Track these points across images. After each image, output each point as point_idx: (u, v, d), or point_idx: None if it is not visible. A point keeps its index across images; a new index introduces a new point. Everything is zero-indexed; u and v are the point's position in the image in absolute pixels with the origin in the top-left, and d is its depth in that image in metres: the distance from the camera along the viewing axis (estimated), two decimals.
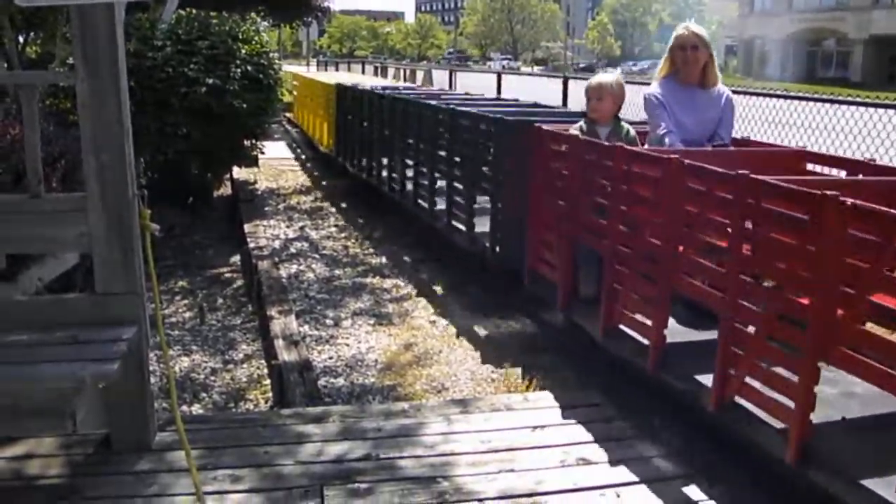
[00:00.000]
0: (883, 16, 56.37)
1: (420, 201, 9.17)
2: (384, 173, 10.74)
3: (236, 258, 9.70)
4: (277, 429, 4.72)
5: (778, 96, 9.50)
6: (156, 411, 4.62)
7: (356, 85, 14.25)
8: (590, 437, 4.72)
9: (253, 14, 17.72)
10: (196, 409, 5.76)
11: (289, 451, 4.42)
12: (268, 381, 6.17)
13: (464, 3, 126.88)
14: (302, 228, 11.07)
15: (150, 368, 4.64)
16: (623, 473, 4.33)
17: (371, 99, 11.65)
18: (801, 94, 9.39)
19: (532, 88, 16.80)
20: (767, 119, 9.12)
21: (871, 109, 7.73)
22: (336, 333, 7.09)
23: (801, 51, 65.03)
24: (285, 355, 6.11)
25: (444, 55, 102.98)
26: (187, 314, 7.70)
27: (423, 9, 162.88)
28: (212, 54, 10.59)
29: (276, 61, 12.43)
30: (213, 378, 6.27)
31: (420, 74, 22.86)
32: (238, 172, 14.41)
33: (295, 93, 21.40)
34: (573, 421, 4.91)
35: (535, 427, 4.84)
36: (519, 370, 6.06)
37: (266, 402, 5.85)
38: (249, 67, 10.99)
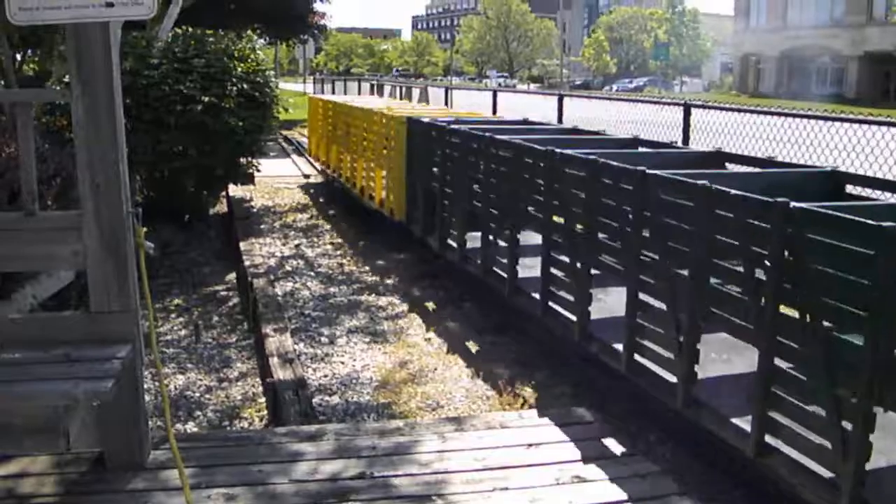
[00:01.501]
0: (876, 32, 56.64)
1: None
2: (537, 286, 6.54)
3: (232, 276, 9.70)
4: (272, 447, 4.71)
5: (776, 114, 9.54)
6: (150, 429, 4.61)
7: (446, 122, 9.41)
8: (584, 455, 4.71)
9: (249, 32, 17.78)
10: (191, 427, 5.75)
11: (283, 470, 4.41)
12: (262, 400, 6.17)
13: (460, 21, 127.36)
14: (297, 246, 11.07)
15: (145, 386, 4.64)
16: (617, 492, 4.32)
17: (494, 148, 7.34)
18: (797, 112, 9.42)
19: (527, 105, 16.87)
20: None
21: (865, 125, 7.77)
22: (331, 351, 7.08)
23: (797, 67, 65.30)
24: (280, 373, 6.11)
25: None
26: (182, 332, 7.70)
27: (419, 26, 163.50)
28: (208, 72, 10.63)
29: (273, 79, 12.47)
30: (207, 396, 6.26)
31: (416, 92, 22.87)
32: (234, 190, 14.42)
33: (313, 122, 17.05)
34: (567, 439, 4.90)
35: (530, 445, 4.83)
36: (513, 387, 6.06)
37: (261, 421, 5.84)
38: (245, 85, 11.04)
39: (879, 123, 7.60)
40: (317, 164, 17.24)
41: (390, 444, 4.79)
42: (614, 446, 4.84)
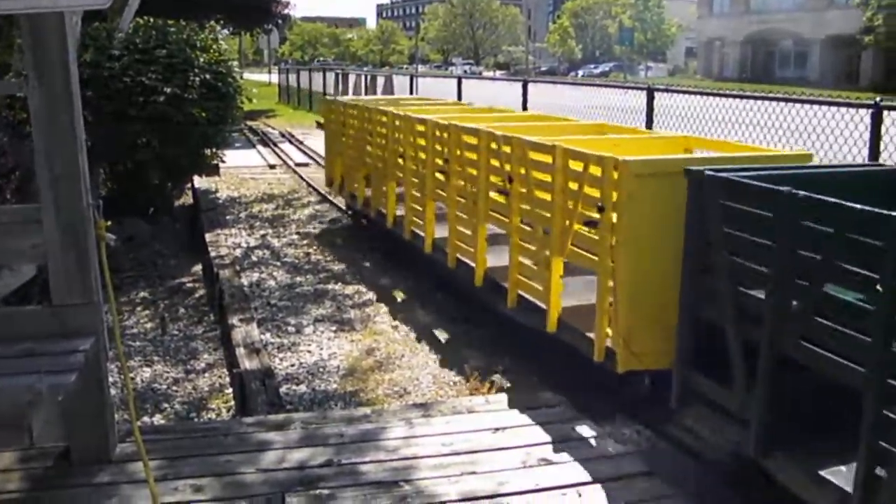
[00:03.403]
0: (838, 16, 57.07)
1: None
2: None
3: (198, 268, 9.65)
4: (239, 437, 4.72)
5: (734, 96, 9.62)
6: (116, 423, 4.60)
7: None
8: (550, 438, 4.76)
9: (212, 22, 17.65)
10: (158, 419, 5.73)
11: (250, 459, 4.42)
12: (230, 390, 6.16)
13: (425, 9, 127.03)
14: (263, 237, 11.03)
15: (111, 380, 4.62)
16: (584, 473, 4.37)
17: None
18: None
19: (493, 93, 16.89)
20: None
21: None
22: (298, 340, 7.08)
23: (760, 51, 65.79)
24: (247, 363, 6.10)
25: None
26: (149, 325, 7.66)
27: (384, 15, 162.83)
28: (170, 63, 10.54)
29: (236, 69, 12.38)
30: (174, 388, 6.24)
31: (381, 81, 22.80)
32: (199, 181, 14.33)
33: (337, 140, 11.41)
34: (534, 422, 4.95)
35: (497, 429, 4.87)
36: (479, 373, 6.09)
37: (228, 411, 5.83)
38: (208, 76, 10.95)
39: (842, 104, 7.67)
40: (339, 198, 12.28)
41: (357, 432, 4.81)
42: (581, 429, 4.89)
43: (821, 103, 7.97)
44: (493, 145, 6.47)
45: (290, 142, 22.56)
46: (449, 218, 7.37)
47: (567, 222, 5.49)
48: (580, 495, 4.17)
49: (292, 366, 6.53)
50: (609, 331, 5.11)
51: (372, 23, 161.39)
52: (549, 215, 5.68)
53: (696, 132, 8.97)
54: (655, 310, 4.84)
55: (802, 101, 8.39)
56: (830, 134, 7.56)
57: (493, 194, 6.56)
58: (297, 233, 11.25)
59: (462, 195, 7.11)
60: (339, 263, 9.58)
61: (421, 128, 8.00)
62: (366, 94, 22.10)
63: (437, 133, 7.58)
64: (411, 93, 20.53)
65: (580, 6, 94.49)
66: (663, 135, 7.35)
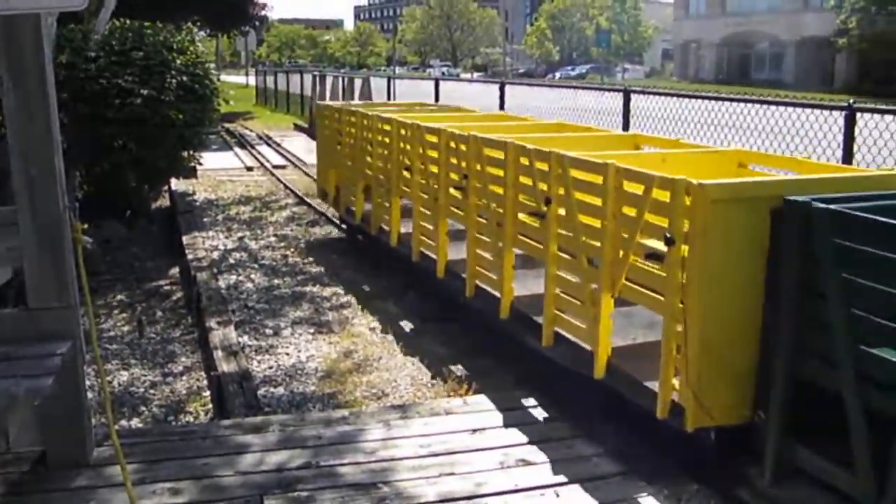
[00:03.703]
0: (812, 19, 57.55)
1: None
2: None
3: (175, 270, 9.61)
4: (217, 440, 4.71)
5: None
6: (93, 426, 4.58)
7: None
8: (528, 439, 4.79)
9: (189, 24, 17.59)
10: (135, 422, 5.71)
11: (228, 462, 4.41)
12: (207, 393, 6.14)
13: (403, 11, 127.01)
14: (241, 239, 11.00)
15: (88, 383, 4.60)
16: (561, 473, 4.40)
17: None
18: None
19: (471, 94, 16.93)
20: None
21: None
22: (276, 343, 7.07)
23: (736, 53, 66.23)
24: (224, 366, 6.09)
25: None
26: (126, 328, 7.62)
27: (362, 17, 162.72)
28: (146, 65, 10.49)
29: (213, 71, 12.34)
30: (152, 391, 6.22)
31: (359, 83, 22.74)
32: (176, 184, 14.28)
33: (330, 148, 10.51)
34: (512, 423, 4.98)
35: (475, 430, 4.89)
36: (458, 374, 6.10)
37: (206, 414, 5.82)
38: (185, 78, 10.91)
39: (816, 106, 7.75)
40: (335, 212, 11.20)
41: (336, 434, 4.82)
42: (559, 429, 4.92)
43: (795, 105, 8.05)
44: (524, 160, 5.65)
45: (268, 144, 22.50)
46: (468, 241, 6.47)
47: (621, 253, 4.71)
48: (558, 495, 4.19)
49: (270, 368, 6.52)
50: (676, 382, 4.34)
51: (349, 24, 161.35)
52: (597, 244, 4.88)
53: (674, 134, 9.03)
54: (730, 357, 4.21)
55: (778, 103, 8.47)
56: (805, 136, 7.64)
57: (522, 216, 5.80)
58: (275, 235, 11.23)
59: (485, 215, 6.26)
60: (316, 266, 9.56)
61: (433, 138, 7.14)
62: (343, 96, 21.99)
63: (453, 145, 6.76)
64: (389, 96, 20.48)
65: (557, 8, 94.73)
66: (714, 149, 6.61)
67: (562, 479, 4.35)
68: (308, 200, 13.22)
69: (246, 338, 7.13)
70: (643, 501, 4.17)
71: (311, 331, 7.36)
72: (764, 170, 5.80)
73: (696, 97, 9.83)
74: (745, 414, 4.18)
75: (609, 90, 11.47)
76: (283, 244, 10.68)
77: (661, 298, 4.39)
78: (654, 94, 10.89)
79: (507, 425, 4.96)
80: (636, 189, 4.59)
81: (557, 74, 76.06)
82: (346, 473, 4.33)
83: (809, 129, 7.56)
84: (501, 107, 13.44)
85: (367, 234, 9.27)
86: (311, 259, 9.87)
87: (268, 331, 7.36)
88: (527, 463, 4.53)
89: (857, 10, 50.69)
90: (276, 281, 8.95)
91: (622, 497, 4.20)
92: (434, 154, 7.08)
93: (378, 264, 9.20)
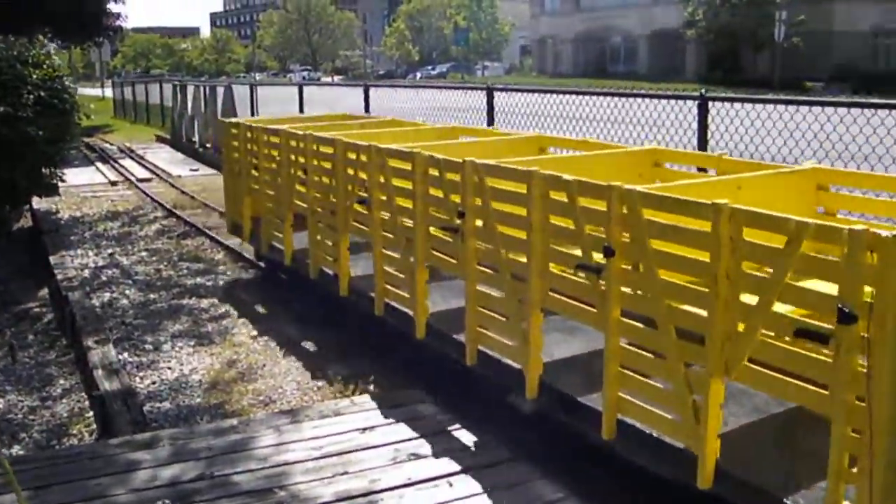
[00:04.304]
0: (662, 11, 59.52)
1: None
2: None
3: (44, 291, 9.37)
4: (107, 459, 4.67)
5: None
6: None
7: None
8: (418, 433, 4.91)
9: (40, 36, 17.04)
10: (17, 450, 5.57)
11: (121, 481, 4.38)
12: (91, 414, 6.05)
13: (260, 16, 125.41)
14: (111, 255, 10.78)
15: None
16: (452, 464, 4.54)
17: None
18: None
19: (334, 98, 16.96)
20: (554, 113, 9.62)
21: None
22: (157, 358, 7.00)
23: (592, 48, 67.93)
24: (106, 385, 6.00)
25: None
26: None
27: (218, 23, 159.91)
28: (0, 80, 10.18)
29: (71, 85, 12.05)
30: (31, 417, 6.08)
31: (220, 91, 22.37)
32: (38, 202, 13.85)
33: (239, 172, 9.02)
34: (400, 419, 5.09)
35: (365, 429, 4.99)
36: (344, 377, 6.19)
37: (91, 435, 5.73)
38: (42, 93, 10.64)
39: (671, 97, 8.13)
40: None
41: (227, 443, 4.84)
42: (447, 422, 5.05)
43: (652, 96, 8.43)
44: (557, 194, 4.41)
45: (131, 157, 22.01)
46: (467, 295, 5.17)
47: (755, 331, 3.42)
48: (451, 485, 4.33)
49: (153, 383, 6.46)
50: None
51: (206, 32, 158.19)
52: (704, 314, 3.61)
53: (537, 129, 9.31)
54: None
55: (635, 95, 8.85)
56: (662, 125, 8.01)
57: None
58: (146, 249, 11.05)
59: (489, 263, 5.01)
60: (191, 278, 9.47)
61: (401, 164, 5.77)
62: (205, 106, 21.60)
63: (435, 172, 5.35)
64: (252, 104, 20.08)
65: (415, 9, 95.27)
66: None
67: (453, 468, 4.49)
68: (177, 212, 13.03)
69: (126, 355, 7.04)
70: (534, 485, 4.33)
71: (192, 343, 7.32)
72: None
73: (557, 92, 10.18)
74: None
75: (472, 88, 11.75)
76: (155, 258, 10.52)
77: (824, 393, 3.21)
78: (516, 90, 11.23)
79: (396, 422, 5.06)
80: (768, 240, 3.42)
81: (418, 74, 76.51)
82: (242, 481, 4.37)
83: (667, 119, 7.93)
84: (366, 109, 13.54)
85: (299, 275, 7.76)
86: (184, 271, 9.76)
87: (148, 346, 7.28)
88: (418, 456, 4.65)
89: (702, 3, 52.82)
90: (151, 296, 8.83)
91: (513, 482, 4.36)
92: (402, 184, 5.78)
93: (278, 282, 9.12)
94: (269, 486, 4.31)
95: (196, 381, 6.45)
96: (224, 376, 6.51)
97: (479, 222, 4.85)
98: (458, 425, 5.01)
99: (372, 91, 13.79)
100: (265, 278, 9.25)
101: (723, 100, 7.47)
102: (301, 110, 15.80)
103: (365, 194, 6.22)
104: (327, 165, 6.70)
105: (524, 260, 4.59)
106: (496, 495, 4.23)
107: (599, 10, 66.19)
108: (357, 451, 4.72)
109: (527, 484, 4.34)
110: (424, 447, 4.75)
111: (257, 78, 62.01)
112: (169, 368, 6.76)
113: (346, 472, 4.45)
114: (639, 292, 3.93)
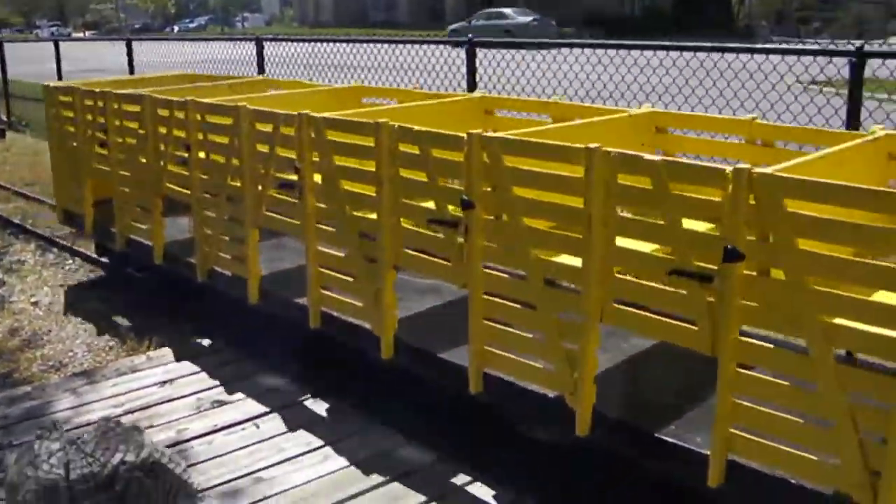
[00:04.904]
0: None
1: None
2: None
3: None
4: None
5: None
6: None
7: None
8: (218, 381, 5.01)
9: None
10: None
11: None
12: None
13: None
14: None
15: None
16: (256, 406, 4.69)
17: None
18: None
19: (91, 55, 16.27)
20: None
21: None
22: None
23: None
24: None
25: None
26: None
27: None
28: None
29: None
30: None
31: None
32: None
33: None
34: (200, 369, 5.17)
35: (164, 382, 5.04)
36: (136, 333, 6.13)
37: None
38: None
39: (439, 42, 8.41)
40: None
41: (23, 411, 4.75)
42: (247, 367, 5.17)
43: (420, 42, 8.67)
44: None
45: None
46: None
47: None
48: (258, 427, 4.47)
49: None
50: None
51: None
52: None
53: (305, 76, 9.35)
54: None
55: (402, 42, 9.05)
56: (432, 70, 8.29)
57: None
58: None
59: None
60: None
61: (360, 139, 4.38)
62: None
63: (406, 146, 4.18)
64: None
65: None
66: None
67: (258, 411, 4.63)
68: None
69: None
70: (345, 417, 4.53)
71: None
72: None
73: (322, 41, 10.26)
74: None
75: (242, 39, 11.66)
76: None
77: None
78: (284, 40, 11.23)
79: (196, 372, 5.13)
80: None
81: (176, 28, 73.89)
82: None
83: (437, 64, 8.21)
84: (130, 64, 13.10)
85: (174, 278, 6.20)
86: None
87: None
88: (222, 403, 4.75)
89: None
90: None
91: (312, 416, 4.56)
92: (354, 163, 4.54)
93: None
94: None
95: None
96: (8, 345, 6.28)
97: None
98: (256, 369, 5.14)
99: (135, 45, 13.32)
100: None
101: (489, 45, 7.82)
102: (59, 69, 15.05)
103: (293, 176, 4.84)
104: (222, 140, 5.32)
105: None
106: (304, 431, 4.41)
107: None
108: (160, 403, 4.77)
109: (338, 416, 4.55)
110: (227, 394, 4.86)
111: (2, 34, 57.74)
112: None
113: (151, 426, 4.49)
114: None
